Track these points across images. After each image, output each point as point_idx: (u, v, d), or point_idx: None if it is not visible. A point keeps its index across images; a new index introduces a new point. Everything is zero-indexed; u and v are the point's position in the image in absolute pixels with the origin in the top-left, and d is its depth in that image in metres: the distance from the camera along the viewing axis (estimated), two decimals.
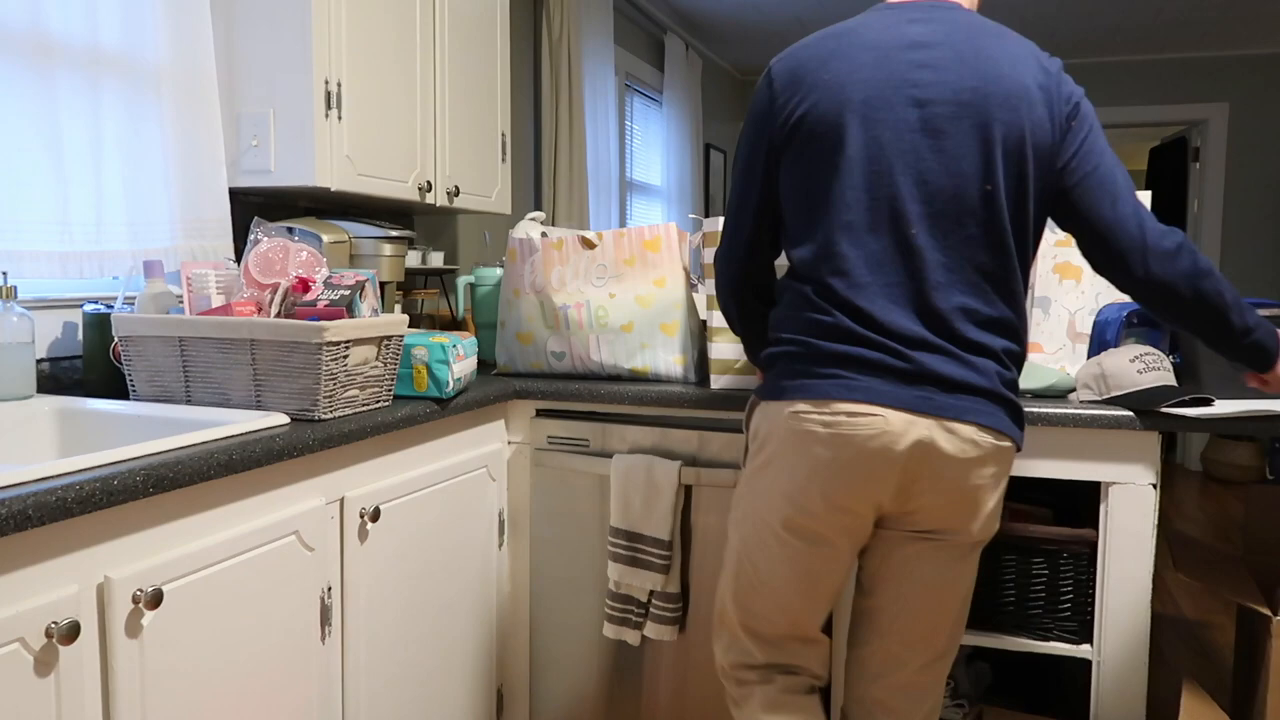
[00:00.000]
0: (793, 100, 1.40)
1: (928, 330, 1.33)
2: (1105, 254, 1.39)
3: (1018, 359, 1.40)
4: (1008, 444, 1.37)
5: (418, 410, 1.73)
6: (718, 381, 1.98)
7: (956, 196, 1.33)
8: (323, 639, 1.55)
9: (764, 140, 1.45)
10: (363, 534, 1.63)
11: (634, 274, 2.05)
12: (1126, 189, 1.39)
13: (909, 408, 1.30)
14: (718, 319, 1.97)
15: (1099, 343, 1.92)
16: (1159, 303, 1.42)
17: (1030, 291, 2.05)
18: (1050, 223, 2.03)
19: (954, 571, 1.43)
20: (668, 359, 2.05)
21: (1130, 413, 1.69)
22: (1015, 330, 1.38)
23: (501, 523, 2.11)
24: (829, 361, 1.34)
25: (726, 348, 1.96)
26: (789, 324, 1.41)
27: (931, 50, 1.36)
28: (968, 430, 1.32)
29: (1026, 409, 1.74)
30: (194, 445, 1.32)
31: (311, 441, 1.46)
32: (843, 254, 1.35)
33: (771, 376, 1.42)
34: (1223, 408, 1.68)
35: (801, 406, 1.35)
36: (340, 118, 1.98)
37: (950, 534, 1.40)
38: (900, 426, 1.30)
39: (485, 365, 2.34)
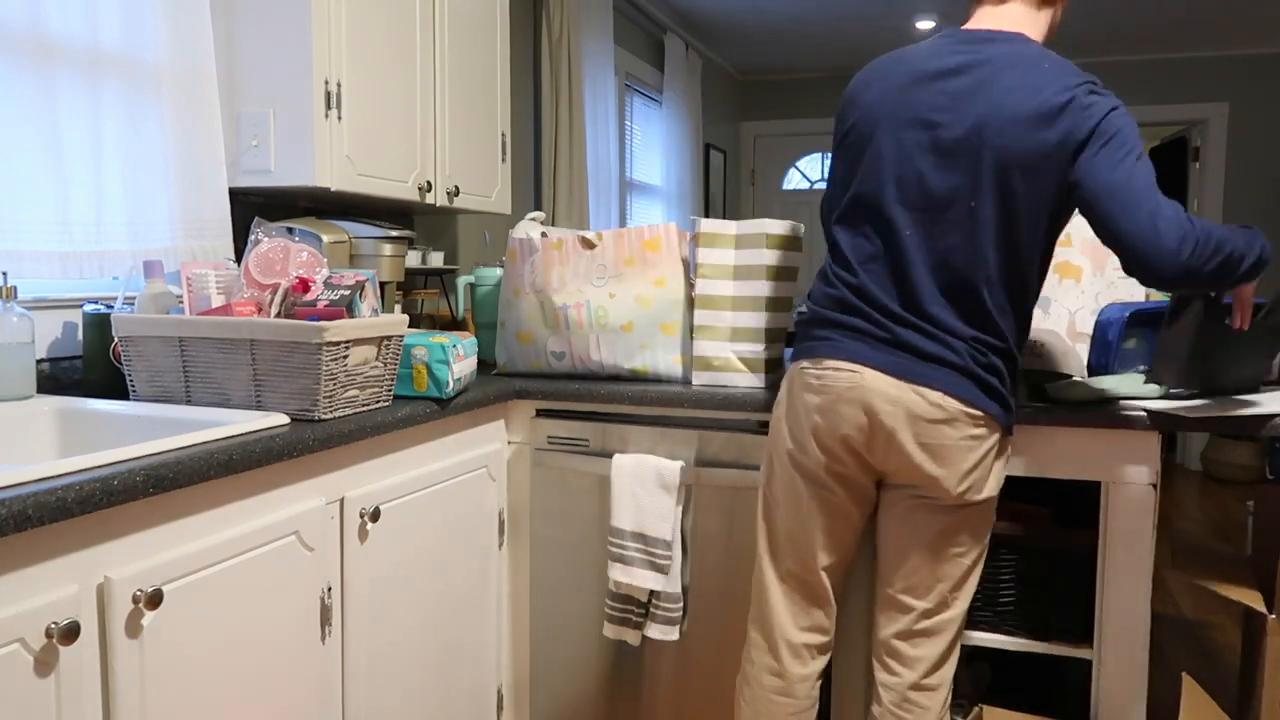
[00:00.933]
0: (846, 116, 1.66)
1: (907, 311, 1.54)
2: (1127, 263, 1.49)
3: (1000, 352, 1.54)
4: (979, 413, 1.51)
5: (418, 410, 1.73)
6: (699, 379, 2.02)
7: (946, 208, 1.53)
8: (323, 639, 1.55)
9: (834, 149, 1.72)
10: (363, 534, 1.63)
11: (634, 274, 2.05)
12: (1142, 194, 1.44)
13: (885, 369, 1.52)
14: (701, 316, 2.00)
15: (1101, 343, 1.92)
16: (1190, 289, 1.60)
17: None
18: None
19: (943, 525, 1.57)
20: (668, 359, 2.05)
21: (1130, 413, 1.69)
22: (992, 326, 1.53)
23: (501, 523, 2.11)
24: (827, 326, 1.60)
25: (707, 345, 2.00)
26: (811, 296, 1.68)
27: (957, 79, 1.54)
28: (935, 395, 1.50)
29: (1026, 408, 1.74)
30: (194, 445, 1.32)
31: (311, 441, 1.46)
32: (846, 246, 1.62)
33: (795, 340, 1.69)
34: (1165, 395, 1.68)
35: (804, 363, 1.62)
36: (340, 118, 1.98)
37: (934, 491, 1.55)
38: (874, 383, 1.52)
39: (485, 365, 2.34)
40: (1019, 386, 1.73)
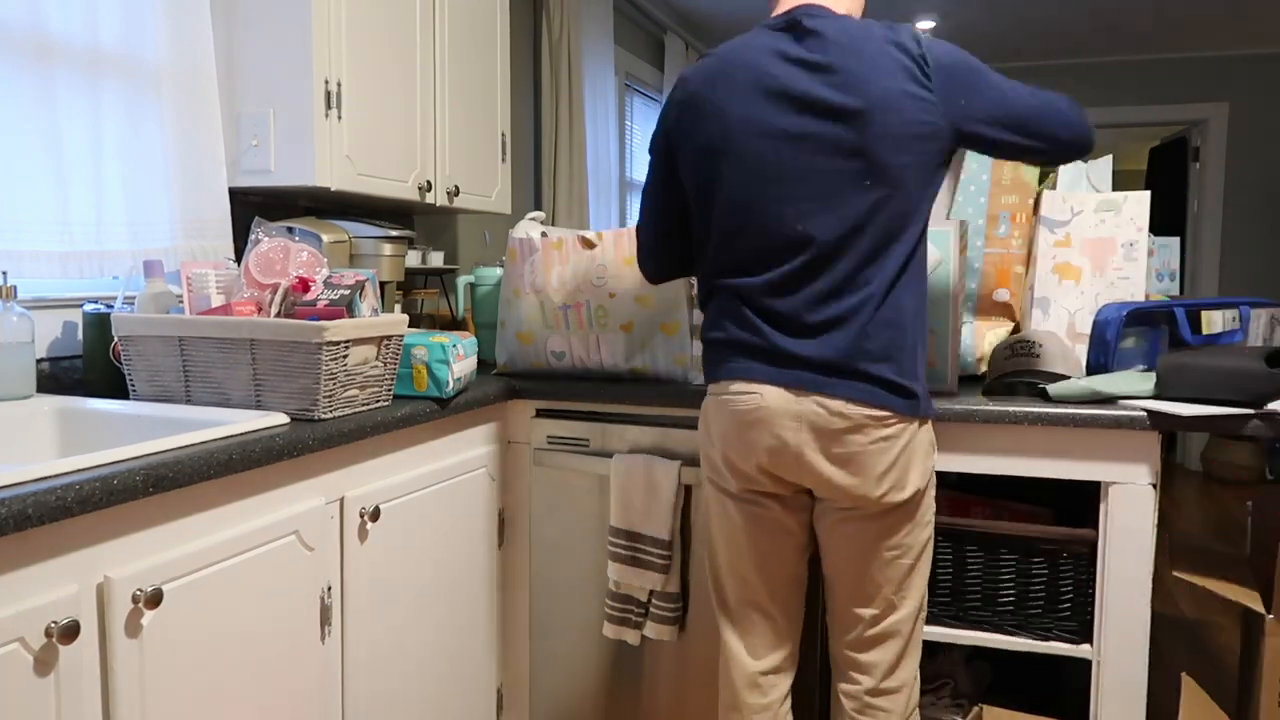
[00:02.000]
0: None
1: (788, 316, 1.49)
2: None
3: (885, 330, 1.47)
4: (884, 413, 1.46)
5: (417, 410, 1.73)
6: (698, 379, 2.03)
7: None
8: (323, 639, 1.55)
9: None
10: (363, 534, 1.63)
11: (634, 274, 2.05)
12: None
13: (784, 385, 1.47)
14: (698, 316, 2.01)
15: (1099, 342, 1.92)
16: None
17: (1030, 292, 2.05)
18: (1051, 222, 2.03)
19: (875, 534, 1.52)
20: (668, 359, 2.05)
21: (1130, 413, 1.69)
22: (867, 305, 1.46)
23: (501, 523, 2.11)
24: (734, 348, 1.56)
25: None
26: None
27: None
28: (836, 404, 1.46)
29: (1027, 408, 1.74)
30: (194, 445, 1.32)
31: (311, 441, 1.46)
32: None
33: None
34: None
35: (713, 387, 1.58)
36: (340, 118, 1.98)
37: (861, 502, 1.50)
38: (775, 401, 1.47)
39: (485, 365, 2.34)
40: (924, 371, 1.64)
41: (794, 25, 1.51)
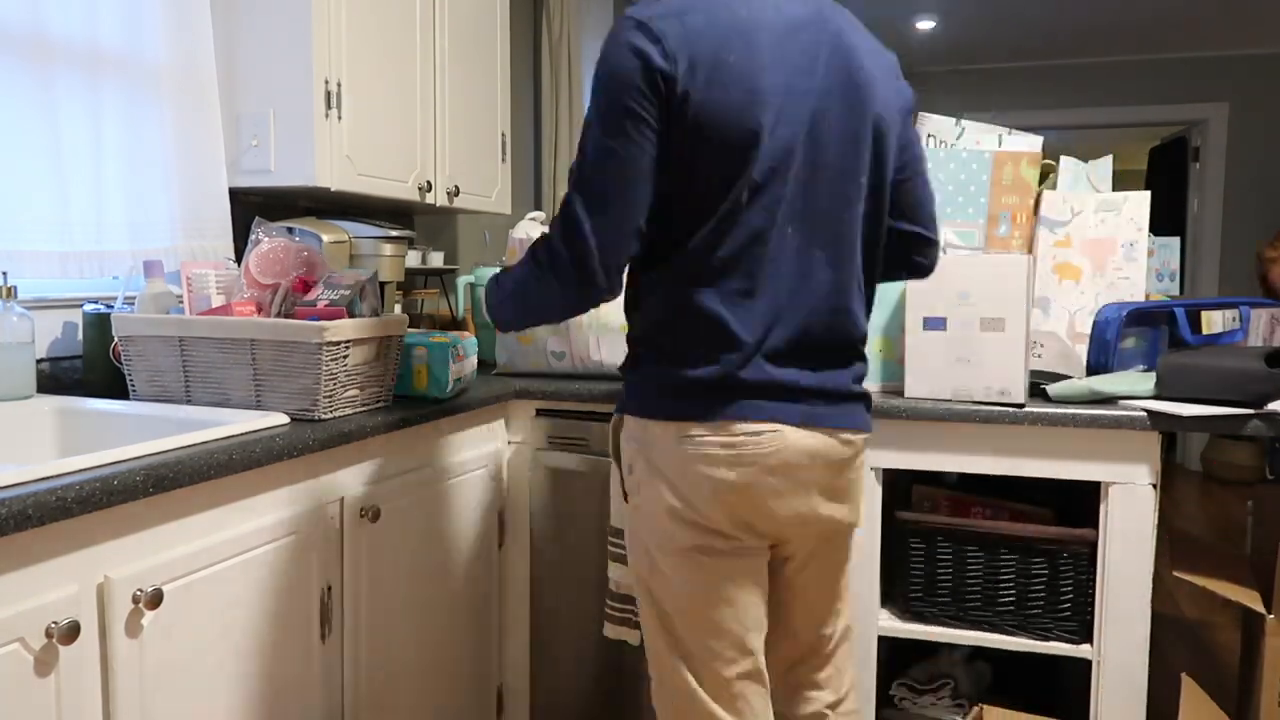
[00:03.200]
0: None
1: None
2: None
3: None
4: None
5: (417, 410, 1.73)
6: None
7: None
8: (323, 638, 1.55)
9: None
10: (363, 534, 1.63)
11: None
12: None
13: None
14: None
15: (1099, 342, 1.92)
16: None
17: (1030, 292, 2.05)
18: (1051, 222, 2.03)
19: (835, 556, 1.48)
20: None
21: (1130, 413, 1.69)
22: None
23: (501, 523, 2.11)
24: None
25: None
26: None
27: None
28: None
29: (1028, 409, 1.74)
30: (194, 445, 1.32)
31: (311, 441, 1.46)
32: None
33: None
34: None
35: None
36: (340, 118, 1.98)
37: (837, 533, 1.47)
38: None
39: (485, 365, 2.34)
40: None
41: None
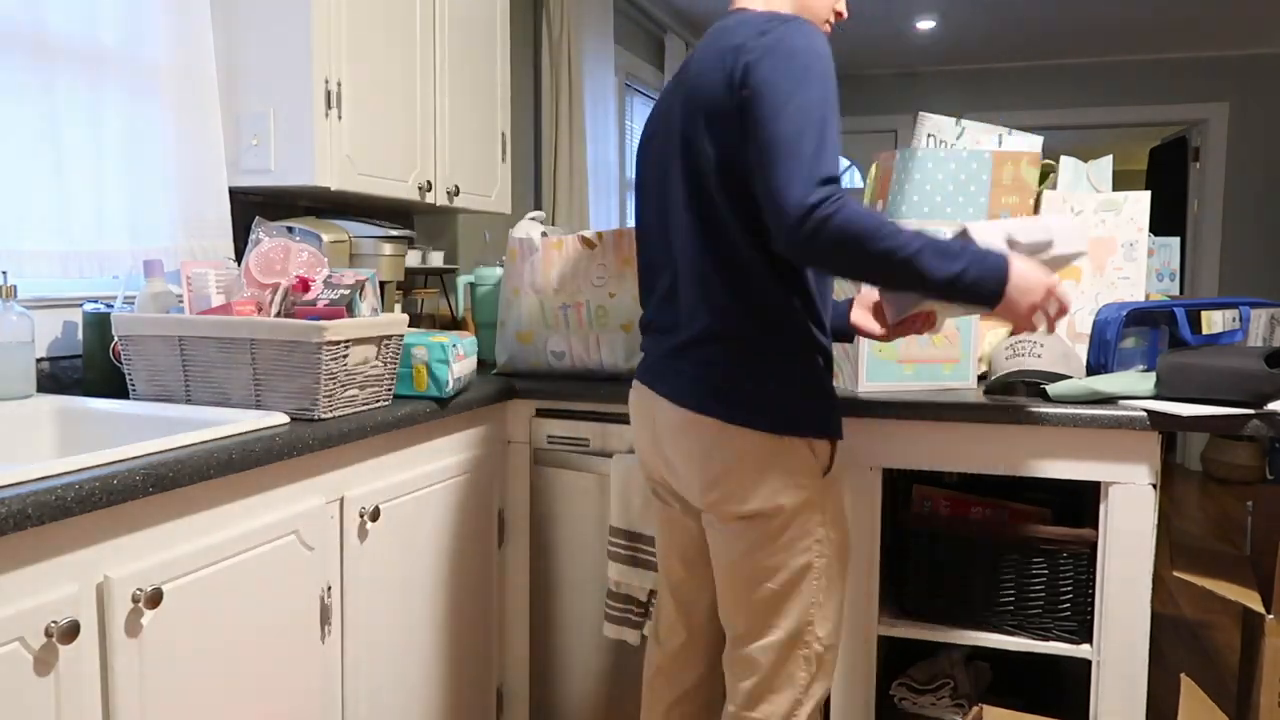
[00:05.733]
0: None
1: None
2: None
3: (706, 340, 1.44)
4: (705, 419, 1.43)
5: (417, 410, 1.73)
6: None
7: None
8: (323, 638, 1.55)
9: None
10: (363, 534, 1.63)
11: (634, 274, 2.04)
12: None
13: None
14: None
15: (1099, 342, 1.92)
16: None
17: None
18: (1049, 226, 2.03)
19: (720, 548, 1.49)
20: None
21: (1130, 413, 1.69)
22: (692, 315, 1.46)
23: (501, 523, 2.11)
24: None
25: None
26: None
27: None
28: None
29: (1029, 409, 1.74)
30: (194, 445, 1.32)
31: (311, 441, 1.46)
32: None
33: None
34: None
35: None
36: (340, 117, 1.98)
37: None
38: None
39: (485, 365, 2.33)
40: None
41: None
